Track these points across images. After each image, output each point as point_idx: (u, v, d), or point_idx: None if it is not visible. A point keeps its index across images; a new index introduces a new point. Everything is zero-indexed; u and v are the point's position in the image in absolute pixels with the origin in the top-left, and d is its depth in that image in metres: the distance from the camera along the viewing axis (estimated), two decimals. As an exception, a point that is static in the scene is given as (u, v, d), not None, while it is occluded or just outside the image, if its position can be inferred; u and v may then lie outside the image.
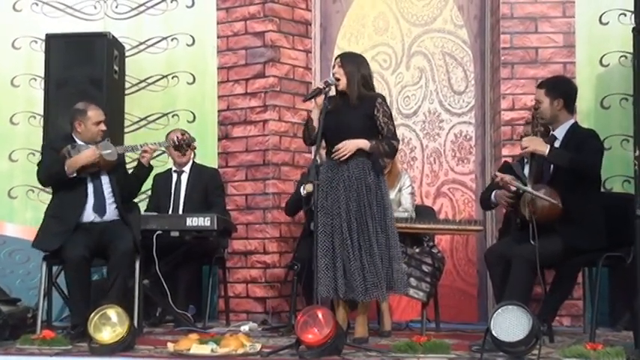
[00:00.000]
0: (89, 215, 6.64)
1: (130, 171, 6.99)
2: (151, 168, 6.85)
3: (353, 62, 6.18)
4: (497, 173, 6.24)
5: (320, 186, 6.03)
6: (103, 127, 6.74)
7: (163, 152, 7.88)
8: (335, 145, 6.09)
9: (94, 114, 6.72)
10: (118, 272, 6.40)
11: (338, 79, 6.11)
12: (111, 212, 6.68)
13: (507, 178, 6.08)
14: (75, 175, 6.54)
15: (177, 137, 6.98)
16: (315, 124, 6.08)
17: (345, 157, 6.02)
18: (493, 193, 6.40)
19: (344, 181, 6.04)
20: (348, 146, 6.00)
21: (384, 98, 6.20)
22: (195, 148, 7.13)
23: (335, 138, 6.11)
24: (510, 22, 7.54)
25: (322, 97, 6.06)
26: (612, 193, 7.19)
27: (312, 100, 6.10)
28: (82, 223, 6.59)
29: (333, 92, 6.19)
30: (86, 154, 6.55)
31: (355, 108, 6.08)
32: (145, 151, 6.75)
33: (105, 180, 6.70)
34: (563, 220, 5.82)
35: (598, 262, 5.90)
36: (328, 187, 6.07)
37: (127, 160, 7.28)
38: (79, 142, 6.69)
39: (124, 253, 6.42)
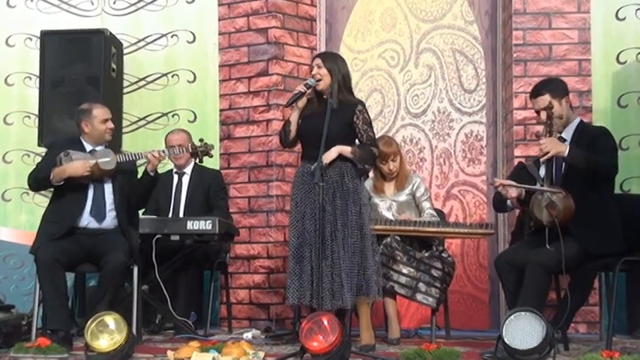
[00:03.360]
0: (85, 220, 6.51)
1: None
2: (155, 177, 6.66)
3: (333, 62, 6.22)
4: (496, 179, 6.19)
5: (298, 190, 6.09)
6: (110, 124, 6.66)
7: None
8: (311, 150, 6.09)
9: (100, 112, 6.63)
10: (107, 287, 6.31)
11: (319, 80, 6.13)
12: (110, 220, 6.55)
13: (507, 182, 5.98)
14: (61, 183, 6.42)
15: (193, 144, 6.84)
16: (294, 127, 6.16)
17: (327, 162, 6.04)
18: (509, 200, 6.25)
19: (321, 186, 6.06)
20: (328, 157, 6.00)
21: (363, 105, 6.22)
22: (212, 157, 7.01)
23: (312, 143, 6.10)
24: (523, 18, 7.49)
25: (304, 100, 6.12)
26: (630, 195, 7.11)
27: (294, 104, 6.14)
28: (76, 227, 6.48)
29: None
30: (75, 166, 6.43)
31: (334, 113, 6.06)
32: (150, 160, 6.57)
33: (108, 186, 6.57)
34: (577, 223, 5.69)
35: (615, 266, 5.77)
36: (304, 192, 6.07)
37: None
38: (86, 146, 6.59)
39: (114, 268, 6.29)
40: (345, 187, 6.00)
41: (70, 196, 6.47)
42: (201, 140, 6.81)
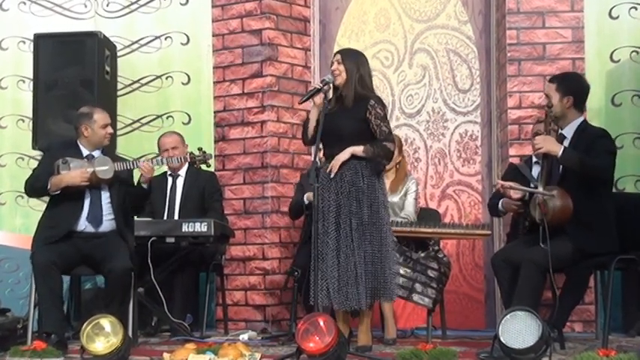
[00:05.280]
0: (82, 225, 6.50)
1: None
2: (148, 191, 6.71)
3: (353, 60, 6.13)
4: (498, 181, 6.17)
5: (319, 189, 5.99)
6: (110, 130, 6.69)
7: (158, 155, 7.67)
8: (330, 149, 6.09)
9: (101, 117, 6.64)
10: (116, 292, 6.33)
11: (336, 76, 6.06)
12: (107, 225, 6.55)
13: (508, 184, 5.99)
14: (58, 192, 6.43)
15: (192, 154, 6.86)
16: (313, 124, 6.06)
17: (336, 169, 5.97)
18: (500, 202, 6.30)
19: (336, 185, 6.00)
20: (340, 158, 5.98)
21: (378, 99, 6.13)
22: (209, 166, 7.10)
23: (330, 142, 6.09)
24: (517, 17, 7.47)
25: (321, 96, 6.03)
26: (624, 194, 7.09)
27: (310, 100, 6.06)
28: (74, 231, 6.47)
29: (330, 93, 6.16)
30: (72, 175, 6.43)
31: (349, 111, 6.05)
32: (143, 170, 6.58)
33: (104, 193, 6.58)
34: (573, 222, 5.70)
35: (610, 265, 5.78)
36: (322, 191, 6.02)
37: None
38: (83, 150, 6.60)
39: (121, 274, 6.30)
40: (357, 186, 5.95)
41: (66, 203, 6.47)
42: (199, 149, 6.84)
